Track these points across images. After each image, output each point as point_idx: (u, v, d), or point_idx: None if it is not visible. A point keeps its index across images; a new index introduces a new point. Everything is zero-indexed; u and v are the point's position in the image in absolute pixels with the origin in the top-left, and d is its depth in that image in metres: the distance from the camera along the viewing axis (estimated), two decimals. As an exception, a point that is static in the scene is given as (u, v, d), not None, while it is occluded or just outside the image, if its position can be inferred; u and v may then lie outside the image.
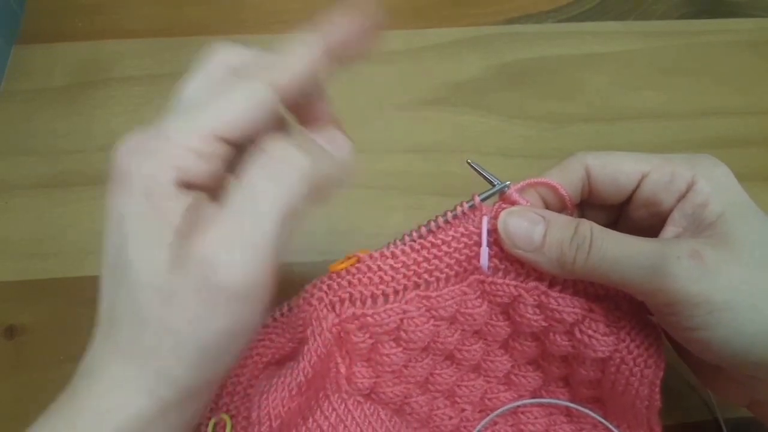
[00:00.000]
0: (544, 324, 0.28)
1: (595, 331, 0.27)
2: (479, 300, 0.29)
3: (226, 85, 0.22)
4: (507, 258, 0.27)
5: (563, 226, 0.26)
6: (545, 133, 0.46)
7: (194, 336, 0.21)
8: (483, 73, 0.49)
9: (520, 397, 0.32)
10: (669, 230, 0.26)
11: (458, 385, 0.32)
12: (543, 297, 0.27)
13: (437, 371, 0.31)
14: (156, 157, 0.21)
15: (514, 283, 0.28)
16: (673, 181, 0.26)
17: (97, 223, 0.43)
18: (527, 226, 0.26)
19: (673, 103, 0.48)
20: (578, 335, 0.27)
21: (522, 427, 0.32)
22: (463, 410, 0.32)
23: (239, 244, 0.20)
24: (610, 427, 0.30)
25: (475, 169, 0.28)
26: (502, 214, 0.26)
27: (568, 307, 0.27)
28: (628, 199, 0.28)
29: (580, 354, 0.28)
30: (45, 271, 0.40)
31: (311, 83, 0.23)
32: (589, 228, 0.25)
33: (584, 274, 0.26)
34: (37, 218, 0.42)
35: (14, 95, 0.47)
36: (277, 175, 0.21)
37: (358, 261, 0.28)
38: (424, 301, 0.28)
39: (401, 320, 0.28)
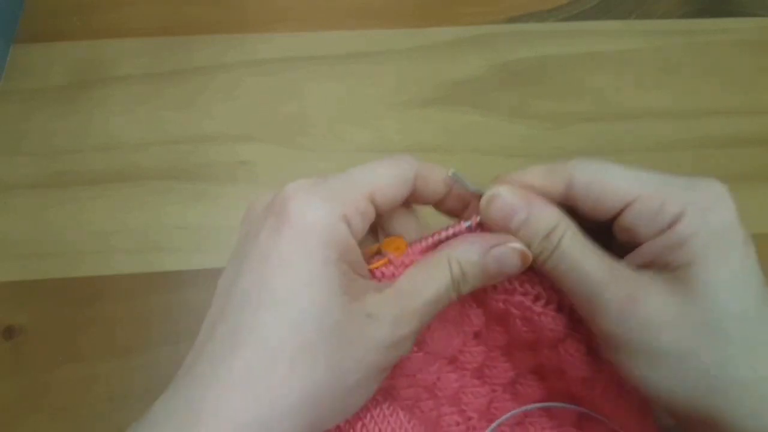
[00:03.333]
0: (533, 335, 0.28)
1: (576, 351, 0.27)
2: (474, 303, 0.29)
3: (379, 160, 0.26)
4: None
5: (541, 223, 0.25)
6: (546, 133, 0.46)
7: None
8: (484, 72, 0.49)
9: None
10: (634, 257, 0.25)
11: (463, 392, 0.31)
12: (527, 312, 0.27)
13: (442, 375, 0.31)
14: (332, 202, 0.23)
15: (502, 297, 0.27)
16: (659, 214, 0.24)
17: (96, 224, 0.43)
18: (509, 210, 0.25)
19: (675, 102, 0.48)
20: (562, 353, 0.27)
21: None
22: (470, 418, 0.32)
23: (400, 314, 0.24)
24: None
25: (460, 182, 0.27)
26: (488, 192, 0.25)
27: (549, 326, 0.27)
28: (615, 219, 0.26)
29: (567, 371, 0.28)
30: (43, 272, 0.40)
31: (433, 195, 0.27)
32: (561, 234, 0.24)
33: (544, 271, 0.26)
34: (36, 218, 0.42)
35: (12, 95, 0.47)
36: (431, 280, 0.25)
37: (389, 263, 0.27)
38: None
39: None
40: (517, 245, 0.25)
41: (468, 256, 0.25)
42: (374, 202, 0.24)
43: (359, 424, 0.28)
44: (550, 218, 0.25)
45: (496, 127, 0.47)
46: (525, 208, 0.25)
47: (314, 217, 0.22)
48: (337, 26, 0.51)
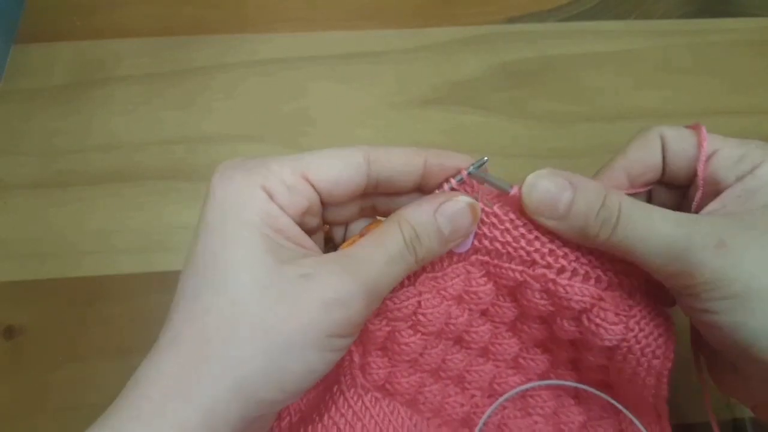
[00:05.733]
0: (551, 308, 0.28)
1: (603, 320, 0.27)
2: (484, 278, 0.28)
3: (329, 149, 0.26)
4: (513, 242, 0.27)
5: (592, 195, 0.25)
6: (546, 133, 0.46)
7: (285, 337, 0.22)
8: (483, 73, 0.49)
9: (529, 380, 0.32)
10: (711, 206, 0.25)
11: (467, 371, 0.31)
12: (551, 284, 0.27)
13: (448, 356, 0.30)
14: (250, 173, 0.24)
15: (519, 268, 0.27)
16: (741, 161, 0.25)
17: (96, 224, 0.43)
18: (554, 192, 0.25)
19: (674, 102, 0.48)
20: (586, 323, 0.27)
21: (531, 410, 0.32)
22: (473, 396, 0.32)
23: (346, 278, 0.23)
24: (620, 407, 0.29)
25: (483, 179, 0.27)
26: (530, 177, 0.25)
27: (577, 296, 0.27)
28: (694, 181, 0.27)
29: (588, 340, 0.28)
30: (43, 272, 0.40)
31: (403, 176, 0.26)
32: (617, 201, 0.24)
33: (606, 248, 0.25)
34: (36, 218, 0.42)
35: (13, 95, 0.47)
36: (381, 245, 0.24)
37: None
38: (433, 282, 0.28)
39: (418, 303, 0.28)
40: (465, 198, 0.25)
41: (418, 216, 0.25)
42: (310, 179, 0.25)
43: (359, 425, 0.28)
44: (598, 188, 0.25)
45: (496, 127, 0.47)
46: (569, 186, 0.25)
47: (230, 187, 0.24)
48: (337, 26, 0.51)
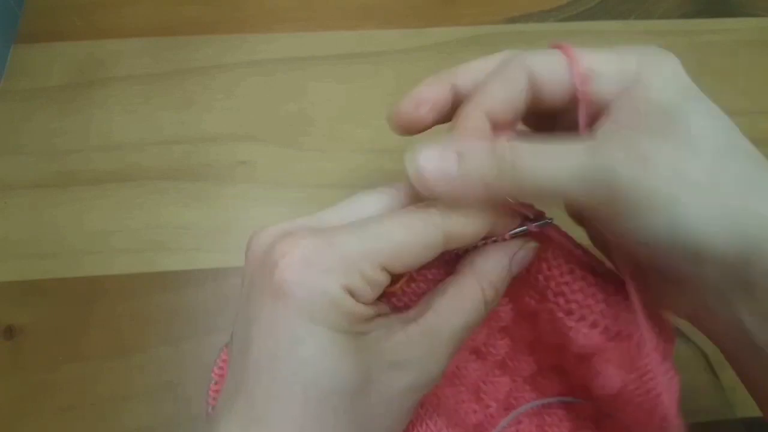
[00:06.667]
0: (559, 341, 0.28)
1: (603, 371, 0.27)
2: (505, 299, 0.28)
3: (402, 213, 0.23)
4: (533, 269, 0.26)
5: (476, 150, 0.23)
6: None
7: None
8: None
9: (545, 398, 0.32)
10: (606, 126, 0.23)
11: (484, 381, 0.31)
12: (558, 323, 0.27)
13: (462, 364, 0.30)
14: (329, 275, 0.21)
15: (536, 297, 0.27)
16: (620, 75, 0.23)
17: (96, 223, 0.43)
18: (438, 163, 0.23)
19: (674, 103, 0.48)
20: (587, 367, 0.27)
21: (546, 428, 0.31)
22: (488, 407, 0.32)
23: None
24: None
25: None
26: (409, 160, 0.23)
27: (579, 341, 0.26)
28: (569, 106, 0.24)
29: (590, 383, 0.28)
30: (43, 271, 0.40)
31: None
32: (506, 146, 0.22)
33: (520, 195, 0.23)
34: (36, 218, 0.42)
35: (13, 95, 0.47)
36: (462, 311, 0.23)
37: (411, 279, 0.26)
38: None
39: None
40: (533, 244, 0.25)
41: (500, 274, 0.24)
42: (388, 269, 0.22)
43: None
44: (480, 143, 0.23)
45: (496, 127, 0.46)
46: (451, 150, 0.23)
47: (311, 294, 0.21)
48: (337, 26, 0.51)
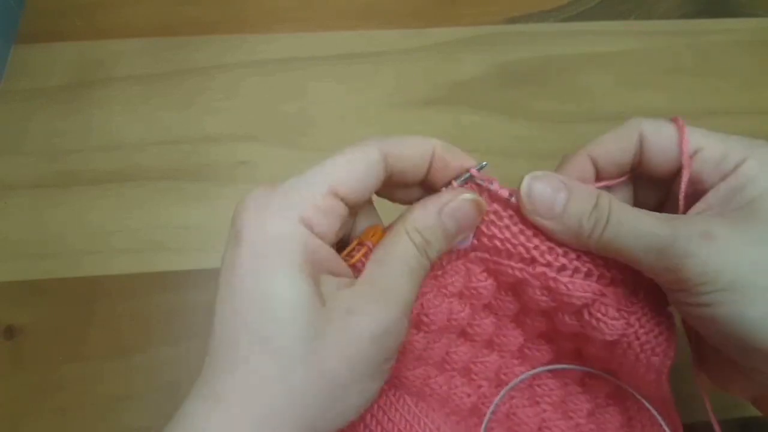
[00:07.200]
0: (552, 304, 0.28)
1: (604, 315, 0.27)
2: (484, 275, 0.28)
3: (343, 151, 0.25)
4: (512, 239, 0.27)
5: (585, 197, 0.25)
6: (546, 133, 0.46)
7: (340, 378, 0.22)
8: (483, 73, 0.49)
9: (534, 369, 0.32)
10: (697, 207, 0.25)
11: (473, 362, 0.31)
12: (551, 282, 0.27)
13: (452, 350, 0.31)
14: (284, 207, 0.23)
15: (519, 266, 0.27)
16: (723, 161, 0.25)
17: (96, 223, 0.43)
18: (550, 193, 0.25)
19: (675, 103, 0.48)
20: (587, 317, 0.27)
21: (538, 399, 0.32)
22: (480, 387, 0.32)
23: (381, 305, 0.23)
24: (629, 389, 0.30)
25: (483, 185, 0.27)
26: (527, 178, 0.26)
27: (578, 292, 0.27)
28: (677, 177, 0.27)
29: (588, 334, 0.28)
30: (44, 271, 0.40)
31: (414, 170, 0.26)
32: (608, 201, 0.25)
33: (597, 249, 0.26)
34: (36, 218, 0.42)
35: (13, 95, 0.47)
36: (395, 258, 0.24)
37: (368, 251, 0.27)
38: (433, 280, 0.28)
39: (421, 304, 0.28)
40: (468, 195, 0.26)
41: (423, 219, 0.25)
42: (339, 195, 0.24)
43: (368, 416, 0.28)
44: (591, 190, 0.26)
45: (496, 127, 0.47)
46: (564, 187, 0.25)
47: (269, 230, 0.22)
48: (337, 26, 0.51)
